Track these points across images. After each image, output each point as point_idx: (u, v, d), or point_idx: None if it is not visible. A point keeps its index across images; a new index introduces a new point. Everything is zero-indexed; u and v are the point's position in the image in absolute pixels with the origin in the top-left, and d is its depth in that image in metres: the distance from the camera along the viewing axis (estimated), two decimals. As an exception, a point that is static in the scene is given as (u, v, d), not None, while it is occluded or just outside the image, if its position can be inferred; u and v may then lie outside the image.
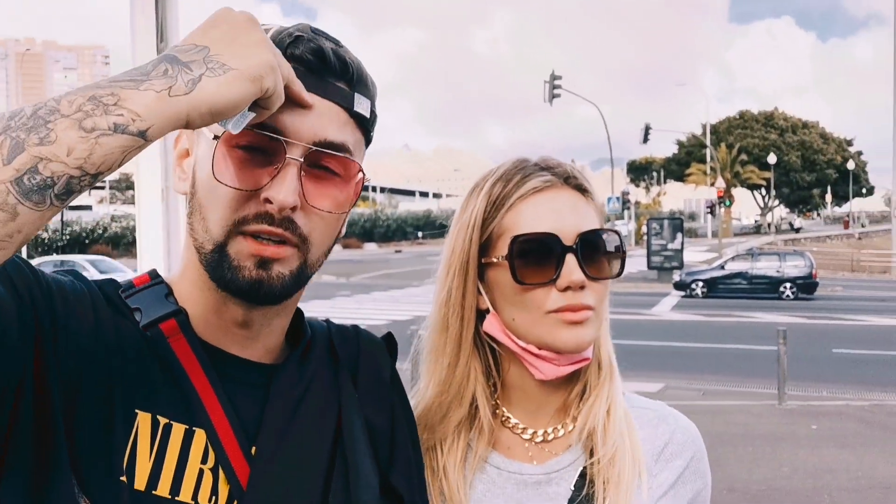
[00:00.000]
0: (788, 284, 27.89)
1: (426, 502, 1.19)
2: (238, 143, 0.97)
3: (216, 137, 0.97)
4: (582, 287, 1.24)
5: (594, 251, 1.26)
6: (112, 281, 1.08)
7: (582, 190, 1.30)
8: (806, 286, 27.85)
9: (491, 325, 1.30)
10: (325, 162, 1.01)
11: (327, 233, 1.04)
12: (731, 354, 15.47)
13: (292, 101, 0.97)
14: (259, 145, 0.97)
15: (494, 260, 1.27)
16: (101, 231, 51.14)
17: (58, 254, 47.00)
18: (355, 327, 1.24)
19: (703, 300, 27.24)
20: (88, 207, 74.35)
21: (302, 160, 0.98)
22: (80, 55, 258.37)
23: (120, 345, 0.98)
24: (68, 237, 50.32)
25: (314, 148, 0.98)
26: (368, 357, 1.18)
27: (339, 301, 23.26)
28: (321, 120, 1.00)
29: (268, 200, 0.97)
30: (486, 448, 1.32)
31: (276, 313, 1.07)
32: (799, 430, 9.41)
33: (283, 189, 0.96)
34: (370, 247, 61.96)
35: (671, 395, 11.09)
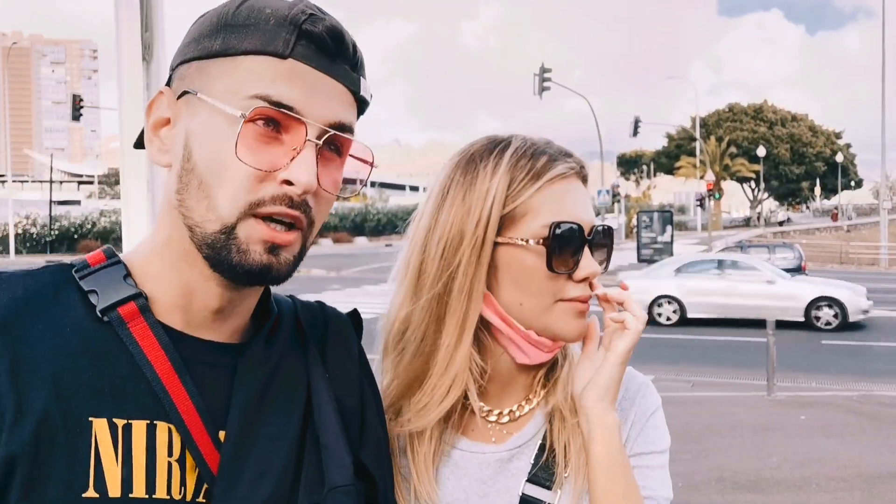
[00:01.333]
0: (777, 276, 27.99)
1: (393, 481, 1.17)
2: (257, 121, 0.94)
3: (243, 116, 0.93)
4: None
5: (601, 245, 1.28)
6: (62, 265, 1.01)
7: (585, 182, 1.31)
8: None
9: (489, 309, 1.25)
10: (337, 143, 0.99)
11: (326, 214, 1.03)
12: (719, 346, 15.53)
13: (308, 81, 0.95)
14: (280, 122, 0.95)
15: (519, 241, 1.22)
16: (89, 226, 50.81)
17: (48, 249, 46.80)
18: (320, 303, 1.21)
19: (692, 292, 27.28)
20: (77, 202, 73.87)
21: (320, 143, 0.95)
22: (68, 49, 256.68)
23: (60, 352, 0.92)
24: (57, 232, 50.03)
25: (331, 130, 0.96)
26: (336, 334, 1.16)
27: (330, 295, 23.27)
28: (334, 101, 0.98)
29: (287, 182, 0.93)
30: (454, 434, 1.30)
31: (250, 294, 1.03)
32: (788, 421, 9.46)
33: (306, 171, 0.93)
34: (361, 241, 61.85)
35: (660, 386, 11.02)
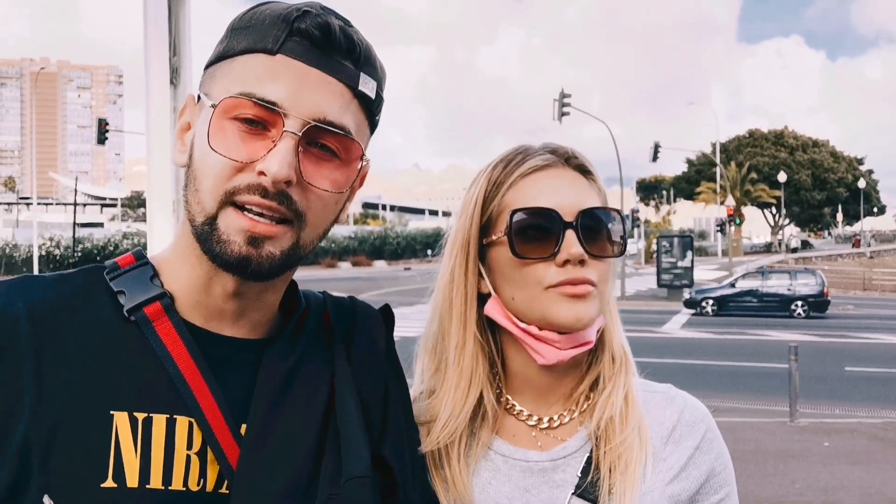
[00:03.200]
0: (800, 302, 27.75)
1: (422, 478, 1.17)
2: (236, 114, 0.96)
3: (213, 106, 0.96)
4: (582, 262, 1.22)
5: (595, 229, 1.25)
6: (95, 267, 1.06)
7: (584, 171, 1.29)
8: (817, 304, 27.70)
9: (492, 309, 1.29)
10: (324, 140, 0.99)
11: (324, 214, 1.02)
12: (742, 372, 15.37)
13: (294, 75, 0.97)
14: (257, 117, 0.96)
15: (494, 238, 1.26)
16: (112, 248, 51.41)
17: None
18: (352, 298, 1.21)
19: (713, 318, 27.10)
20: (100, 225, 74.72)
21: (300, 135, 0.95)
22: (94, 74, 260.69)
23: (86, 349, 0.96)
24: (80, 254, 50.59)
25: (313, 123, 0.96)
26: (363, 328, 1.16)
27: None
28: (323, 96, 0.98)
29: (262, 173, 0.94)
30: (490, 434, 1.30)
31: (266, 288, 1.04)
32: (811, 448, 9.34)
33: (278, 161, 0.94)
34: (380, 264, 62.03)
35: (681, 412, 11.01)
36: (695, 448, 1.27)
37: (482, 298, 1.31)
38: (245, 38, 1.00)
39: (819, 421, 10.81)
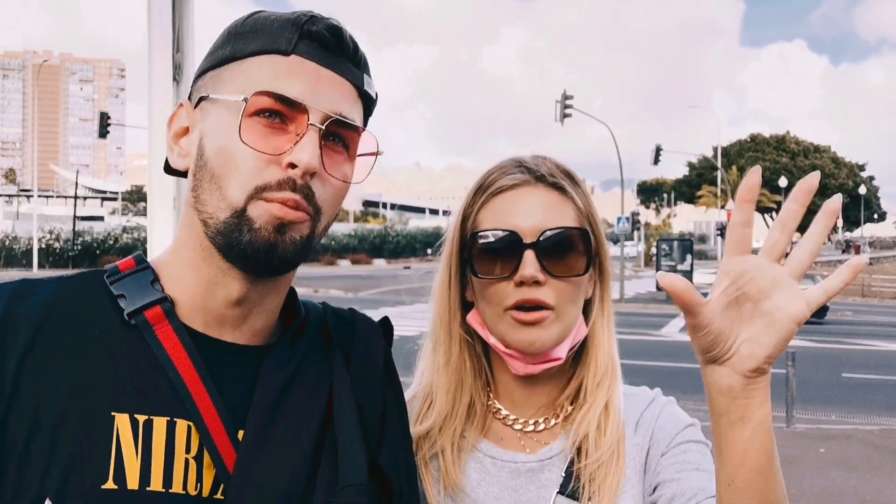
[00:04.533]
0: (798, 308, 27.69)
1: (414, 488, 1.18)
2: (260, 109, 0.99)
3: (245, 99, 0.99)
4: (537, 283, 1.24)
5: (558, 249, 1.26)
6: (96, 271, 1.07)
7: (558, 188, 1.30)
8: (816, 310, 27.64)
9: (472, 319, 1.35)
10: (341, 133, 1.03)
11: (335, 205, 1.05)
12: (739, 377, 15.35)
13: (310, 74, 1.01)
14: (282, 112, 0.99)
15: (466, 255, 1.33)
16: (112, 242, 51.35)
17: (71, 264, 47.26)
18: (352, 310, 1.23)
19: (711, 322, 27.01)
20: (100, 218, 74.72)
21: (323, 128, 0.99)
22: (97, 67, 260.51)
23: (86, 352, 0.98)
24: (80, 247, 50.57)
25: (334, 115, 1.00)
26: (362, 339, 1.17)
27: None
28: (337, 94, 1.02)
29: (291, 165, 0.97)
30: (478, 437, 1.34)
31: (270, 290, 1.06)
32: (807, 454, 9.35)
33: (308, 152, 0.97)
34: (379, 263, 62.00)
35: (678, 416, 11.02)
36: (646, 415, 1.32)
37: (471, 306, 1.36)
38: (254, 41, 1.03)
39: (815, 427, 10.82)
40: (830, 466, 8.84)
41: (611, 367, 1.34)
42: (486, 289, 1.29)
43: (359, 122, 1.06)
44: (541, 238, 1.25)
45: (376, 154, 1.08)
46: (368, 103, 1.09)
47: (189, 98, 1.09)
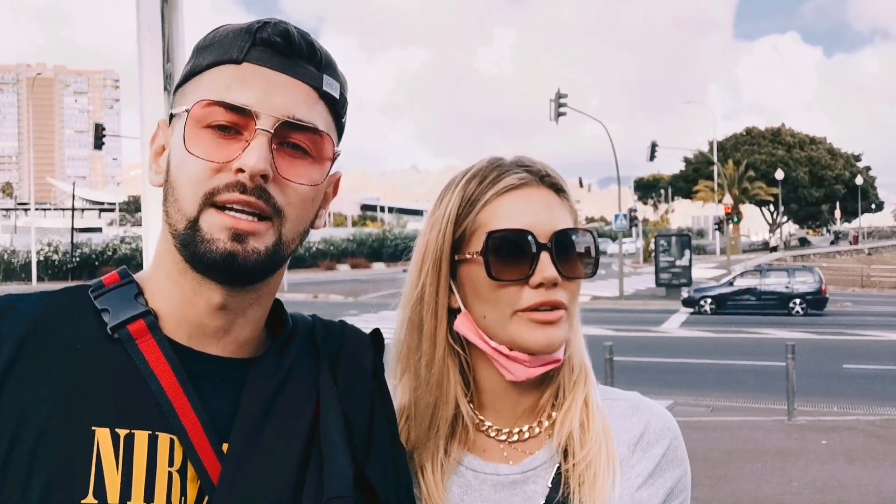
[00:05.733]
0: (798, 300, 27.80)
1: (407, 499, 1.16)
2: (210, 121, 1.00)
3: (187, 111, 1.00)
4: (555, 284, 1.23)
5: (568, 250, 1.26)
6: (80, 286, 1.08)
7: (557, 189, 1.30)
8: (815, 302, 27.74)
9: (462, 324, 1.29)
10: (294, 138, 1.02)
11: (302, 209, 1.04)
12: (740, 371, 15.41)
13: (262, 80, 1.01)
14: (230, 122, 1.00)
15: (468, 256, 1.27)
16: (110, 253, 51.30)
17: (70, 276, 47.20)
18: (342, 322, 1.22)
19: (711, 317, 27.13)
20: (98, 229, 74.61)
21: (272, 132, 0.99)
22: (91, 79, 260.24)
23: (69, 366, 0.98)
24: (78, 259, 50.53)
25: (284, 118, 1.00)
26: (350, 350, 1.17)
27: (348, 320, 23.19)
28: (291, 97, 1.02)
29: (240, 170, 0.97)
30: (461, 450, 1.31)
31: (252, 300, 1.05)
32: (808, 446, 9.37)
33: (254, 156, 0.97)
34: (378, 266, 61.92)
35: (680, 411, 11.04)
36: (661, 456, 1.28)
37: (452, 313, 1.31)
38: (210, 53, 1.04)
39: (817, 419, 10.84)
40: (833, 458, 8.85)
41: (583, 366, 1.34)
42: (493, 291, 1.25)
43: (320, 123, 1.04)
44: (554, 239, 1.25)
45: (333, 158, 1.07)
46: (334, 104, 1.08)
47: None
